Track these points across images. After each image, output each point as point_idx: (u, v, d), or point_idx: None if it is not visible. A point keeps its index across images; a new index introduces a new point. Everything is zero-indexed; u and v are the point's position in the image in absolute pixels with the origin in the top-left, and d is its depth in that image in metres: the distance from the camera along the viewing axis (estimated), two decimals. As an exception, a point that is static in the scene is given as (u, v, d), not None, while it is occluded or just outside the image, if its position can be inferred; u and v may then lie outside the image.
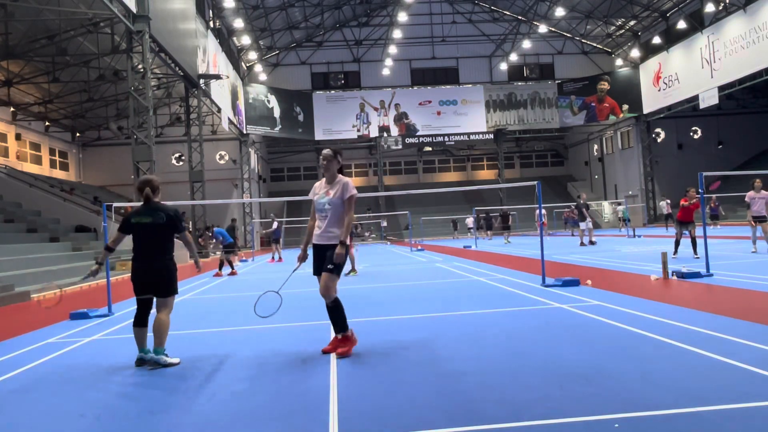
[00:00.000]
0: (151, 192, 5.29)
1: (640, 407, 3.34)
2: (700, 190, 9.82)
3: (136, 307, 5.42)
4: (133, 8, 19.56)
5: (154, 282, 5.24)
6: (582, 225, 20.44)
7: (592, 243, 20.16)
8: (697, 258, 11.98)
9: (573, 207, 22.54)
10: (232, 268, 16.46)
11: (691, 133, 45.45)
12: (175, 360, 5.19)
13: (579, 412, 3.33)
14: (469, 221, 32.24)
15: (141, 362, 5.19)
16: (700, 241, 10.45)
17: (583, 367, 4.26)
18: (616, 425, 3.11)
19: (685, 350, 4.59)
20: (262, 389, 4.25)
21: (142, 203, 5.34)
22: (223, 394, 4.18)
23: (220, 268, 16.37)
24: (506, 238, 29.38)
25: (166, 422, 3.63)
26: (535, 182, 9.73)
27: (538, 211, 10.16)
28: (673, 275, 9.21)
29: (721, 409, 3.26)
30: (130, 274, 5.34)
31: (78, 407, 4.05)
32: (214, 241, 17.09)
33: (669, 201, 31.09)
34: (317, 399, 3.89)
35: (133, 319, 5.40)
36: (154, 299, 5.35)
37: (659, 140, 45.38)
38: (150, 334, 5.28)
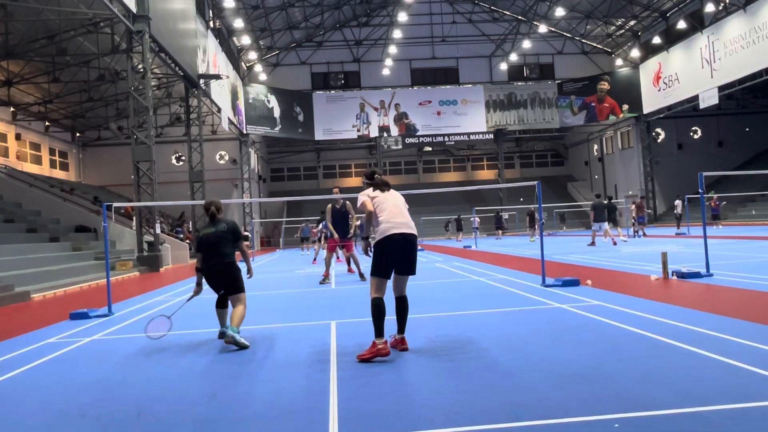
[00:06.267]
0: (216, 210, 6.25)
1: (640, 407, 3.34)
2: (699, 191, 9.81)
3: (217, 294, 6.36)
4: (133, 8, 19.55)
5: (219, 282, 6.20)
6: (595, 225, 20.19)
7: (593, 244, 19.90)
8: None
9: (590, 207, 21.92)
10: (349, 265, 14.07)
11: (691, 133, 45.44)
12: (247, 343, 5.77)
13: (579, 412, 3.33)
14: (476, 221, 32.70)
15: (222, 335, 6.06)
16: (699, 241, 10.44)
17: (583, 367, 4.26)
18: (616, 425, 3.11)
19: (686, 350, 4.59)
20: (262, 389, 4.26)
21: (209, 220, 6.27)
22: (222, 394, 4.18)
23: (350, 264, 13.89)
24: (458, 237, 32.43)
25: (165, 422, 3.63)
26: (535, 182, 9.73)
27: (539, 212, 10.15)
28: (673, 275, 9.21)
29: (721, 409, 3.27)
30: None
31: (78, 407, 4.05)
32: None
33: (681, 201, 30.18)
34: (317, 399, 3.89)
35: (215, 302, 6.40)
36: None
37: (659, 140, 45.36)
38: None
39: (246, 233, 31.71)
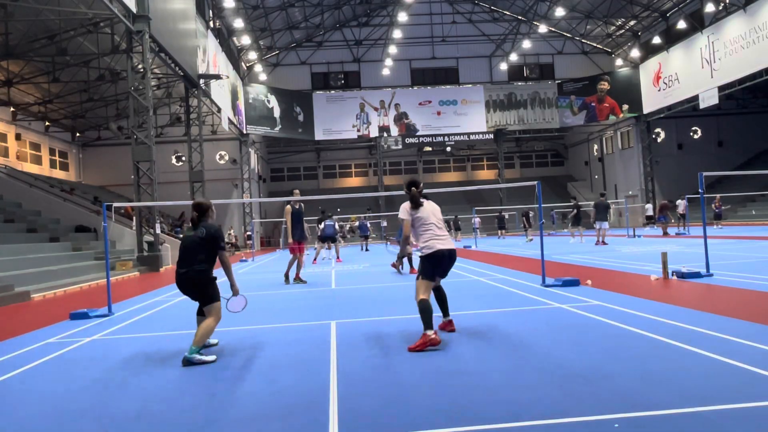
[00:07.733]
0: (196, 215, 5.74)
1: (640, 407, 3.34)
2: (699, 190, 9.81)
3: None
4: (133, 8, 19.54)
5: (189, 289, 5.61)
6: (596, 225, 20.55)
7: (604, 243, 20.22)
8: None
9: (591, 206, 22.13)
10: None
11: (691, 133, 45.44)
12: (209, 358, 5.29)
13: (579, 412, 3.33)
14: (476, 221, 32.81)
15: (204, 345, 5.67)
16: (699, 241, 10.44)
17: (583, 367, 4.26)
18: (616, 425, 3.11)
19: (686, 350, 4.59)
20: (262, 389, 4.25)
21: (191, 224, 5.81)
22: (222, 395, 4.18)
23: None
24: (457, 236, 32.37)
25: (166, 422, 3.63)
26: (535, 182, 9.73)
27: (539, 212, 10.15)
28: (673, 275, 9.21)
29: (721, 409, 3.27)
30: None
31: (78, 407, 4.05)
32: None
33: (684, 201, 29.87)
34: (317, 399, 3.89)
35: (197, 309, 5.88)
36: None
37: (659, 140, 45.35)
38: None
39: (247, 233, 31.63)
